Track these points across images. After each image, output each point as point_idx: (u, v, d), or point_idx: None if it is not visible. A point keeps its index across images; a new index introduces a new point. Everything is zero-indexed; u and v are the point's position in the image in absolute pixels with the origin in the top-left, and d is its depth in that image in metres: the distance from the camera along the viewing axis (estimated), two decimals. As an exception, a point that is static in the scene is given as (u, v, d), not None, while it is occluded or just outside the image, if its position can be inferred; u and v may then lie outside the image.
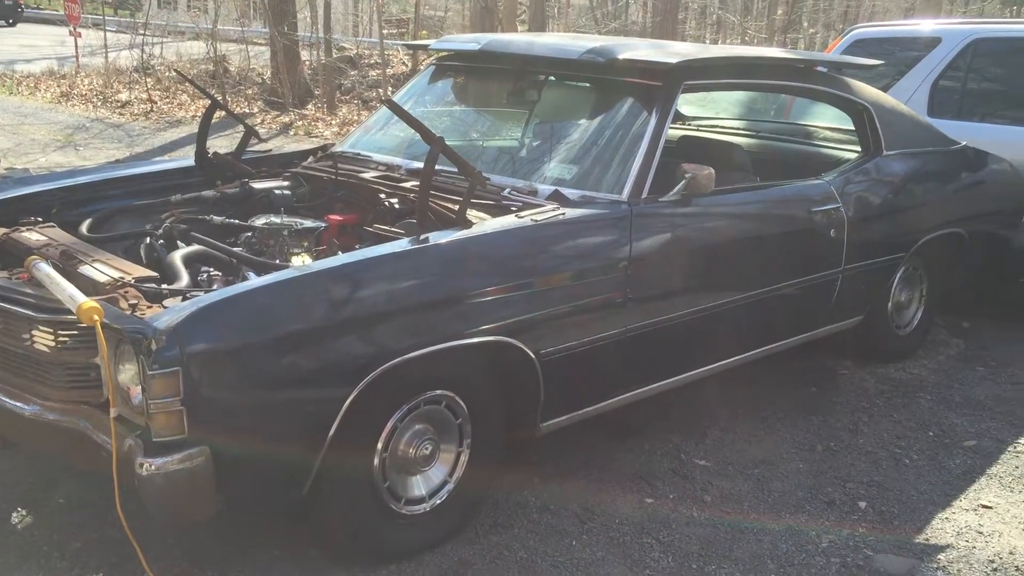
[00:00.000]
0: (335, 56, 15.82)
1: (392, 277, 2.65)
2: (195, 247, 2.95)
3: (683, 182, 3.30)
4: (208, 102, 3.86)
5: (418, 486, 2.86)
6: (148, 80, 15.49)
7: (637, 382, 3.37)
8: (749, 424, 3.94)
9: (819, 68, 4.28)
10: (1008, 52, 5.54)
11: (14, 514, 2.99)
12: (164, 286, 2.64)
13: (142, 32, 16.39)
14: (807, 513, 3.28)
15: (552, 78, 3.81)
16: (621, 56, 3.47)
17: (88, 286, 2.60)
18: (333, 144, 4.24)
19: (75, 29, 16.85)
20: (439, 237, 2.84)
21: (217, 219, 3.39)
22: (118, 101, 15.00)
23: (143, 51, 16.02)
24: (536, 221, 2.99)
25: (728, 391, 4.14)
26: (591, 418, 3.31)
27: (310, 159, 4.04)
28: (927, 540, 3.14)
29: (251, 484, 2.47)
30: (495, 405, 2.99)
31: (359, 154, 3.93)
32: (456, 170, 3.17)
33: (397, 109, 3.01)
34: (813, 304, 4.02)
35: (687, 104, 5.40)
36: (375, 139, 4.09)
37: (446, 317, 2.70)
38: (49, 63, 18.55)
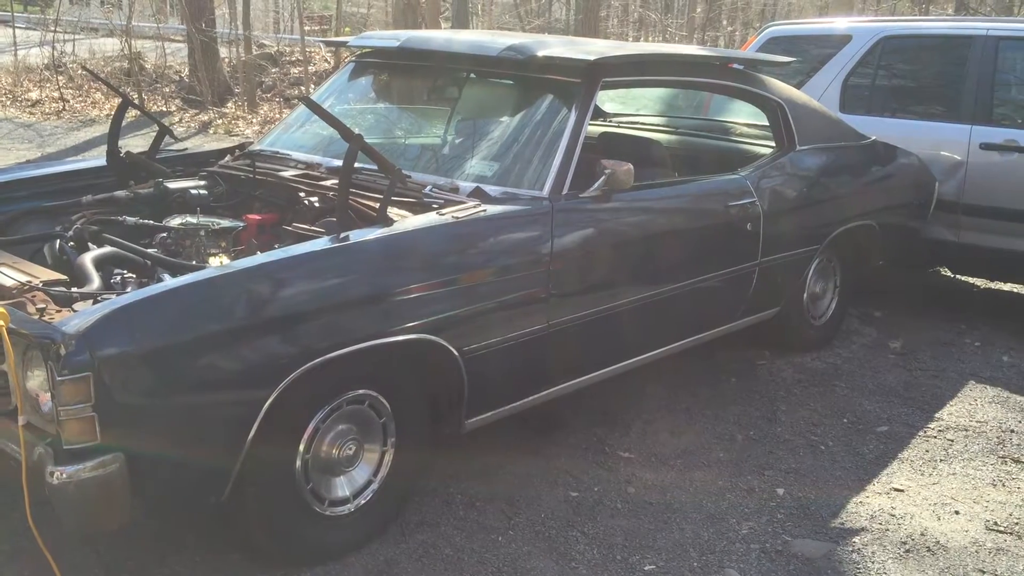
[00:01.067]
0: (255, 53, 15.59)
1: (311, 276, 2.63)
2: (106, 249, 2.88)
3: (603, 178, 3.34)
4: (120, 100, 3.77)
5: (342, 487, 2.84)
6: (60, 78, 15.05)
7: (561, 377, 3.40)
8: (672, 416, 4.00)
9: (734, 65, 4.36)
10: (915, 48, 5.72)
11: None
12: (74, 289, 2.58)
13: (52, 29, 15.89)
14: (728, 501, 3.35)
15: (473, 75, 3.82)
16: (540, 53, 3.49)
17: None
18: (252, 142, 4.18)
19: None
20: (359, 235, 2.83)
21: (131, 220, 3.31)
22: (28, 100, 14.55)
23: (53, 48, 15.54)
24: (457, 218, 3.00)
25: (652, 384, 4.21)
26: (517, 414, 3.33)
27: (227, 158, 3.99)
28: (842, 524, 3.23)
29: (169, 490, 2.43)
30: (419, 403, 2.99)
31: (278, 152, 3.88)
32: (377, 168, 3.16)
33: (315, 107, 2.98)
34: (731, 297, 4.10)
35: (609, 101, 5.46)
36: (295, 137, 4.04)
37: (367, 316, 2.69)
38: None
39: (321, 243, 2.76)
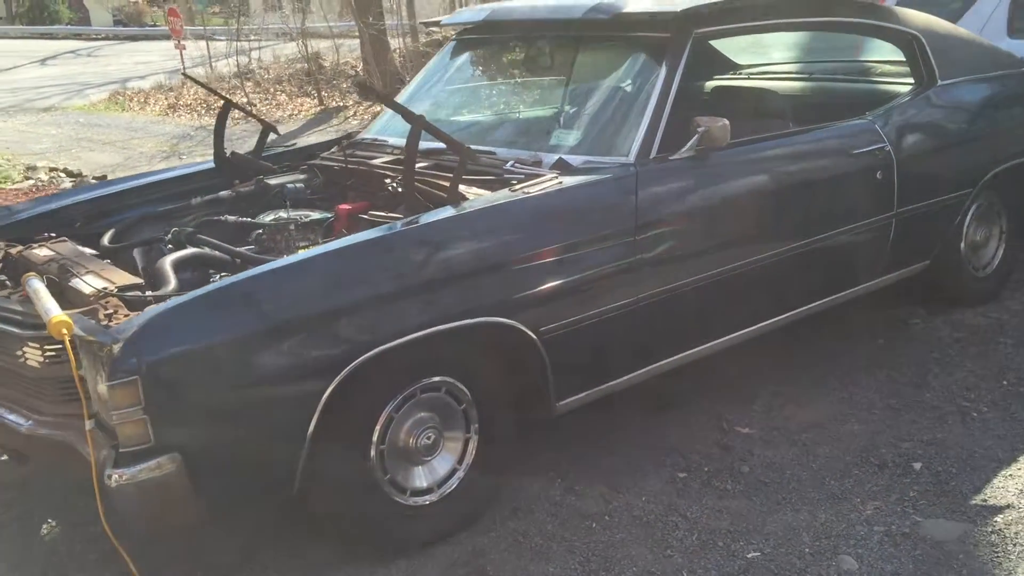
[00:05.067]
0: (423, 42, 15.86)
1: (369, 265, 2.58)
2: (188, 251, 2.94)
3: (695, 136, 3.11)
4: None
5: (424, 476, 2.79)
6: (247, 84, 15.90)
7: (661, 353, 3.20)
8: (804, 386, 3.71)
9: (856, -2, 3.96)
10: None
11: (44, 525, 3.07)
12: (148, 293, 2.64)
13: (237, 39, 16.81)
14: (854, 478, 3.07)
15: (560, 41, 3.66)
16: (625, 10, 3.31)
17: (78, 298, 2.64)
18: (359, 132, 4.19)
19: (179, 42, 17.45)
20: (427, 219, 2.76)
21: (231, 219, 3.39)
22: (218, 108, 15.45)
23: (238, 57, 16.46)
24: (528, 194, 2.87)
25: (784, 352, 3.92)
26: (624, 391, 3.17)
27: (333, 149, 4.01)
28: (984, 501, 2.88)
29: (234, 488, 2.45)
30: (500, 388, 2.89)
31: (376, 140, 3.87)
32: (475, 150, 3.09)
33: (372, 91, 2.99)
34: (864, 254, 3.75)
35: (742, 52, 5.13)
36: (396, 123, 4.02)
37: (430, 302, 2.61)
38: (158, 78, 19.26)
39: (380, 231, 2.71)
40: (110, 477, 2.24)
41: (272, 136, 3.97)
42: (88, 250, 3.21)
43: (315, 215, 3.29)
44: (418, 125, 2.85)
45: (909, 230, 3.79)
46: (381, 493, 2.69)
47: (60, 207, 3.58)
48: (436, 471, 2.81)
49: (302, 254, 2.66)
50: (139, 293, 2.63)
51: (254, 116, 4.06)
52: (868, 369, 3.82)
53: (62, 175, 10.28)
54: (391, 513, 2.72)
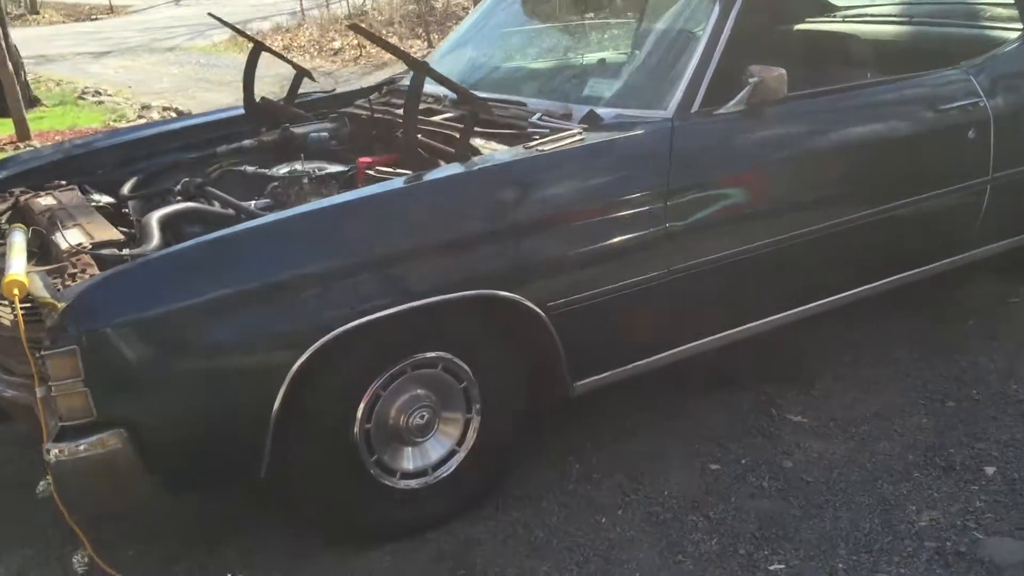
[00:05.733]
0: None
1: (346, 229, 2.35)
2: (183, 205, 2.77)
3: (747, 88, 2.74)
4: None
5: (416, 458, 2.56)
6: (361, 22, 15.84)
7: (695, 333, 2.87)
8: (872, 369, 3.31)
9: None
10: None
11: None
12: (125, 251, 2.48)
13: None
14: (913, 482, 2.69)
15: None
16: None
17: (57, 254, 2.50)
18: (402, 77, 3.93)
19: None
20: (424, 177, 2.51)
21: (250, 169, 3.21)
22: (332, 50, 15.44)
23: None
24: (542, 151, 2.57)
25: (854, 331, 3.52)
26: (665, 368, 2.87)
27: (374, 95, 3.77)
28: (1063, 521, 2.48)
29: (193, 467, 2.27)
30: (507, 365, 2.63)
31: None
32: (502, 100, 2.81)
33: (367, 33, 2.68)
34: (949, 224, 3.30)
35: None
36: (450, 66, 3.75)
37: (416, 272, 2.36)
38: (279, 19, 19.42)
39: (357, 192, 2.47)
40: (48, 452, 2.09)
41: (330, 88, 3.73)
42: (106, 198, 3.10)
43: (331, 168, 3.07)
44: (421, 72, 2.58)
45: (1006, 198, 3.31)
46: (366, 475, 2.48)
47: (88, 152, 3.48)
48: (430, 454, 2.58)
49: (273, 215, 2.44)
50: (115, 251, 2.47)
51: (287, 60, 3.84)
52: (949, 353, 3.39)
53: (173, 114, 10.45)
54: (378, 497, 2.51)
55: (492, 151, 2.72)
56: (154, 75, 14.78)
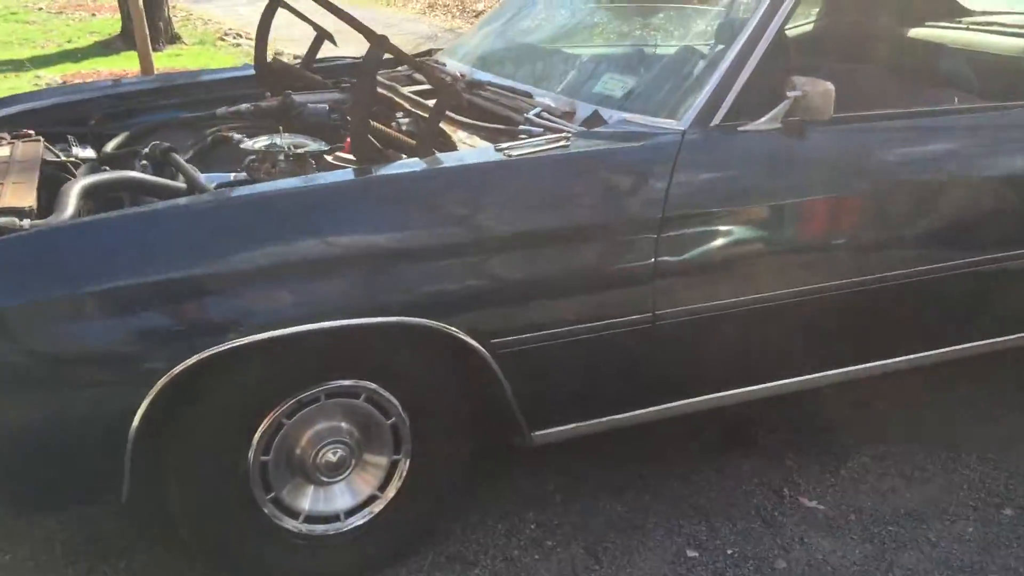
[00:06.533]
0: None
1: (235, 228, 1.96)
2: (116, 173, 2.44)
3: (785, 102, 2.23)
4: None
5: (325, 500, 2.18)
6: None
7: (684, 390, 2.39)
8: (921, 455, 2.75)
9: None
10: None
11: None
12: (26, 221, 2.17)
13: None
14: (933, 614, 2.17)
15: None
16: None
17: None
18: (441, 49, 3.54)
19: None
20: (354, 175, 2.14)
21: (236, 137, 2.89)
22: (474, 11, 15.14)
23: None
24: (510, 156, 2.13)
25: (914, 399, 2.96)
26: (675, 419, 2.42)
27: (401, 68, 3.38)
28: None
29: (39, 486, 1.95)
30: (445, 404, 2.21)
31: (437, 60, 3.21)
32: (509, 87, 2.40)
33: (325, 3, 2.27)
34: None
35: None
36: (472, 42, 3.34)
37: (328, 288, 1.96)
38: (423, -25, 19.25)
39: (266, 186, 2.10)
40: None
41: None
42: (88, 152, 2.83)
43: (313, 145, 2.70)
44: (377, 46, 2.17)
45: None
46: (259, 514, 2.12)
47: (83, 99, 3.21)
48: (343, 496, 2.20)
49: (147, 206, 2.08)
50: (15, 219, 2.17)
51: (305, 19, 3.48)
52: (1019, 443, 2.79)
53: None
54: (274, 540, 2.15)
55: (470, 148, 2.30)
56: (295, 22, 14.79)
